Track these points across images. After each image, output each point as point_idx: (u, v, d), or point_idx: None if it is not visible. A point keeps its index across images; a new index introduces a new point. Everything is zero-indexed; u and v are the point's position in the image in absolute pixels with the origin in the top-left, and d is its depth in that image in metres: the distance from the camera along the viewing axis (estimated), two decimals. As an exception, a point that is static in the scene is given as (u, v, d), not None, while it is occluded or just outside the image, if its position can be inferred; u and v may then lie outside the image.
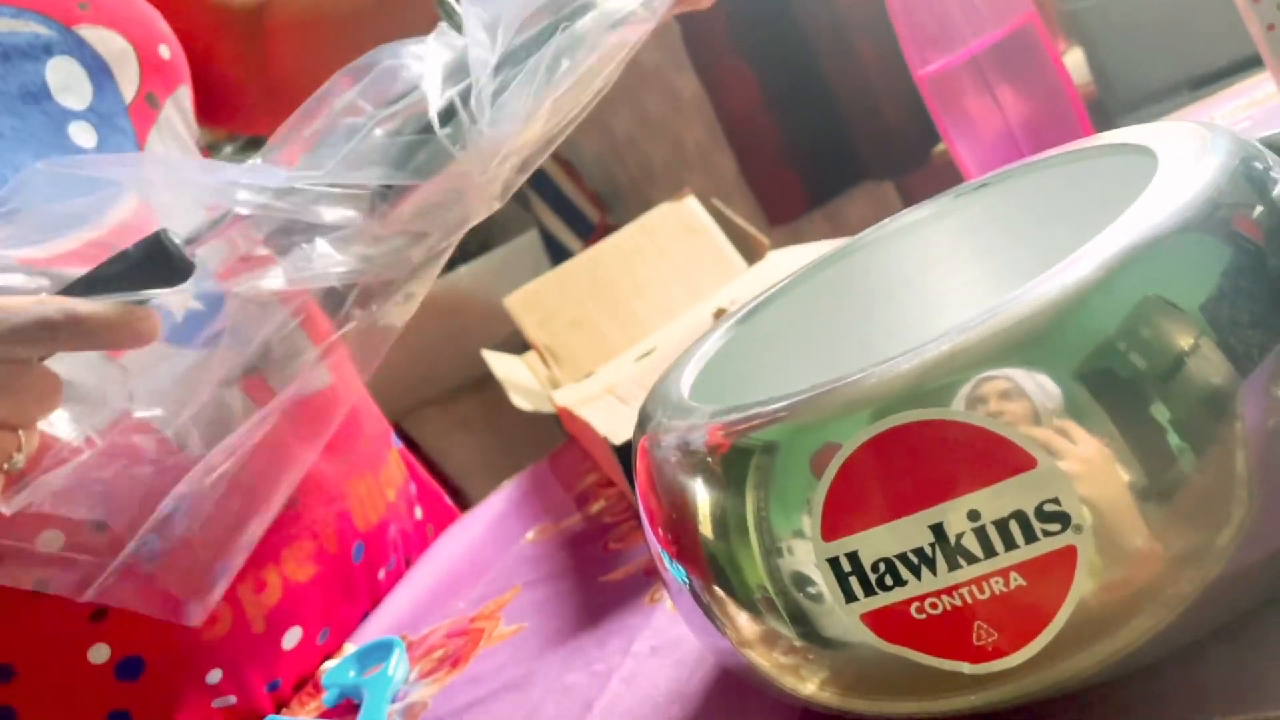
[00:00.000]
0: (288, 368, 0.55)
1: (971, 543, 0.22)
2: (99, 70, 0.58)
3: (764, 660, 0.27)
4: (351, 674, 0.53)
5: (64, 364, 0.40)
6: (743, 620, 0.27)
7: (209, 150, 0.73)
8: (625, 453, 0.52)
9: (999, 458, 0.22)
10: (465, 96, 0.36)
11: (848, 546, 0.24)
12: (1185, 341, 0.23)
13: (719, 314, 0.73)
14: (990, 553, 0.22)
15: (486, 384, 1.00)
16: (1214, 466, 0.23)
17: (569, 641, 0.45)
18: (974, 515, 0.22)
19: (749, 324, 0.38)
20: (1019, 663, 0.23)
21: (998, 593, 0.23)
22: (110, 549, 0.40)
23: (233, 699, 0.58)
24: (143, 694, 0.56)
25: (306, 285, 0.38)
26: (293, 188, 0.37)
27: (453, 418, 2.04)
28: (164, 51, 0.62)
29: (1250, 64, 0.63)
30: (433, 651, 0.53)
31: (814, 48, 2.00)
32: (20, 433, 0.38)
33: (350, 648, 0.61)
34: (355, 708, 0.50)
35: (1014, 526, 0.22)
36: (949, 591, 0.23)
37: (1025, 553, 0.22)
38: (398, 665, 0.51)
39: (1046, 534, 0.22)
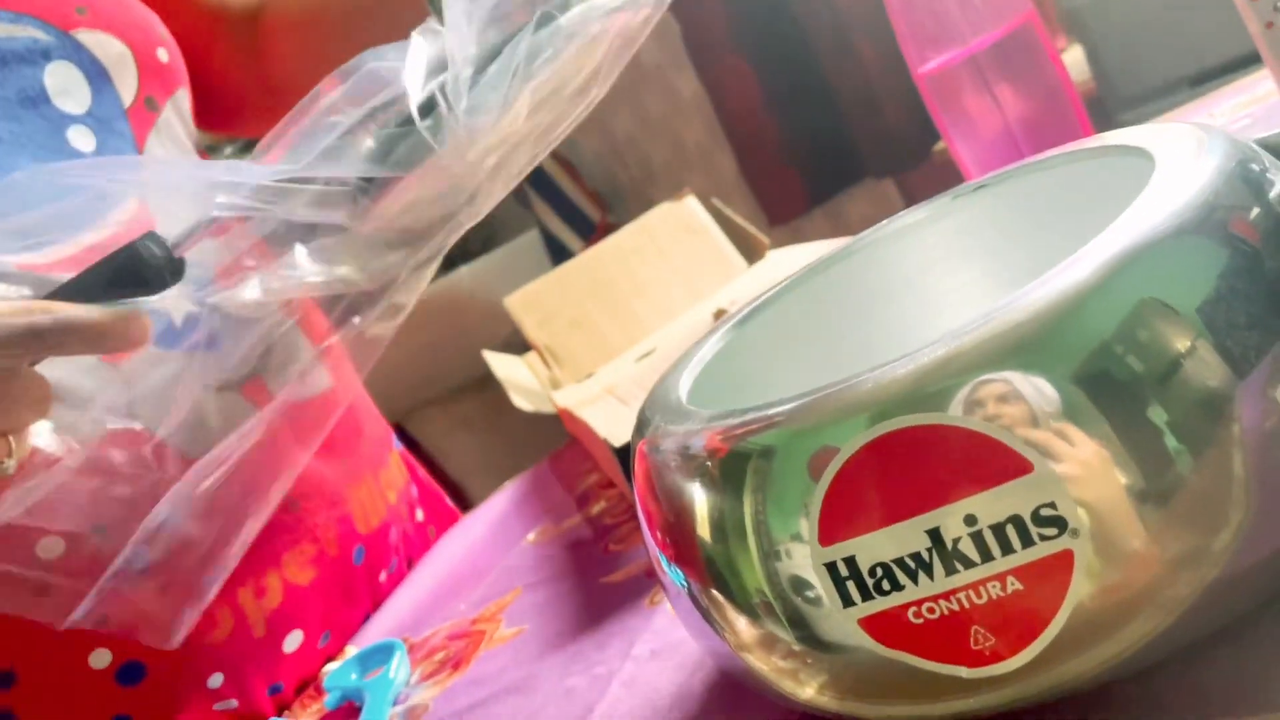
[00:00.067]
0: (287, 370, 0.55)
1: (968, 547, 0.22)
2: (97, 74, 0.58)
3: (762, 664, 0.27)
4: (353, 676, 0.54)
5: (61, 370, 0.40)
6: (741, 624, 0.27)
7: (208, 152, 0.73)
8: (625, 454, 0.52)
9: (995, 462, 0.22)
10: (445, 88, 0.36)
11: (845, 551, 0.24)
12: (1182, 344, 0.23)
13: (719, 315, 0.73)
14: (987, 557, 0.22)
15: (487, 384, 1.00)
16: (1211, 469, 0.23)
17: (570, 644, 0.45)
18: (970, 520, 0.22)
19: (747, 326, 0.38)
20: (1017, 667, 0.23)
21: (995, 597, 0.23)
22: (98, 564, 0.40)
23: (234, 702, 0.58)
24: (144, 699, 0.56)
25: (283, 296, 0.38)
26: (270, 185, 0.36)
27: (454, 418, 2.05)
28: (162, 55, 0.62)
29: (1250, 61, 0.63)
30: (434, 654, 0.53)
31: (814, 46, 2.00)
32: (10, 438, 0.38)
33: (352, 650, 0.61)
34: (357, 710, 0.50)
35: (1010, 531, 0.22)
36: (946, 596, 0.23)
37: (1022, 557, 0.22)
38: (399, 668, 0.52)
39: (1043, 538, 0.22)
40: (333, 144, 0.37)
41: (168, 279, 0.37)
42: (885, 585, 0.23)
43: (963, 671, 0.23)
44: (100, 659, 0.55)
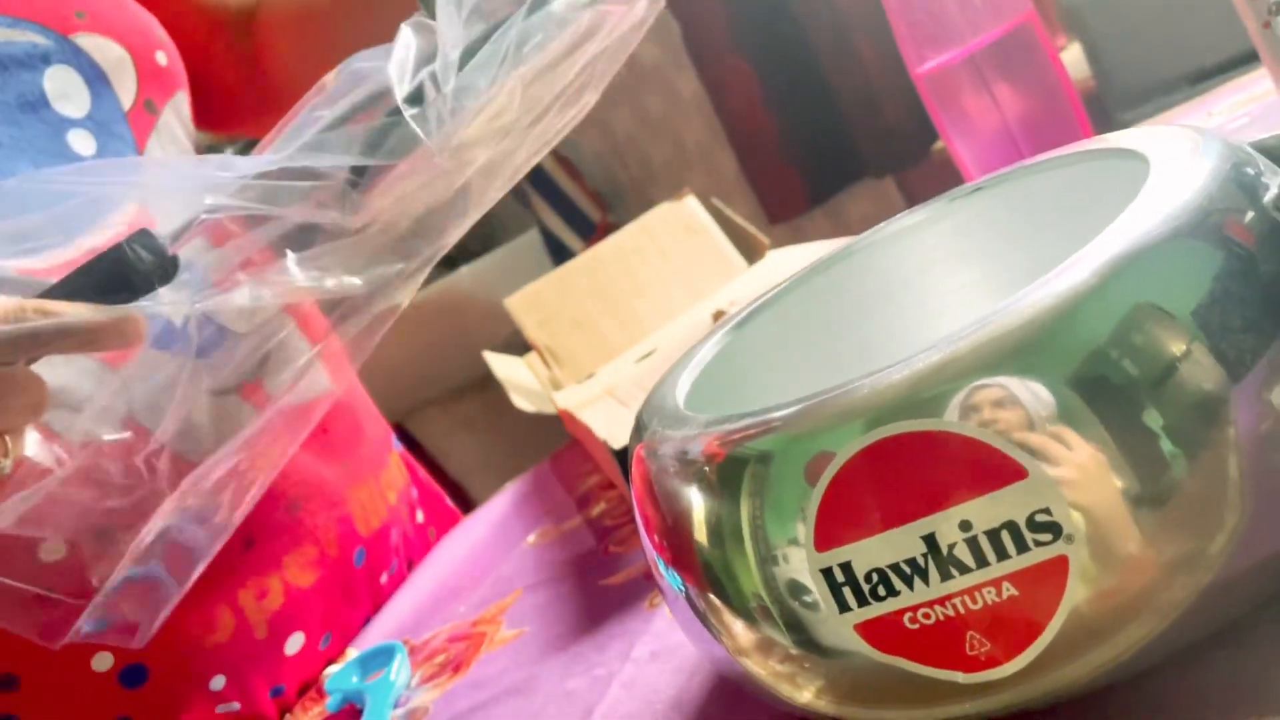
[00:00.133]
0: (286, 372, 0.55)
1: (963, 553, 0.23)
2: (97, 78, 0.58)
3: (760, 668, 0.27)
4: (354, 679, 0.54)
5: (62, 373, 0.40)
6: (738, 628, 0.27)
7: (209, 154, 0.73)
8: (625, 456, 0.53)
9: (990, 468, 0.22)
10: (434, 74, 0.36)
11: (841, 557, 0.24)
12: (1177, 348, 0.23)
13: (718, 316, 0.73)
14: (982, 563, 0.22)
15: (489, 384, 1.00)
16: (1207, 472, 0.23)
17: (570, 646, 0.45)
18: (966, 525, 0.22)
19: (744, 329, 0.38)
20: (1013, 672, 0.23)
21: (990, 603, 0.23)
22: (79, 575, 0.40)
23: (236, 705, 0.59)
24: (146, 701, 0.56)
25: (276, 302, 0.37)
26: (259, 183, 0.36)
27: (455, 418, 2.05)
28: (161, 58, 0.62)
29: (1249, 59, 0.63)
30: (435, 656, 0.53)
31: (813, 46, 2.00)
32: (7, 439, 0.38)
33: (353, 652, 0.61)
34: (358, 713, 0.51)
35: (1005, 537, 0.22)
36: (942, 602, 0.23)
37: (1017, 563, 0.22)
38: (400, 670, 0.52)
39: (1038, 544, 0.22)
40: (321, 137, 0.36)
41: (155, 282, 0.36)
42: (881, 591, 0.23)
43: (959, 677, 0.23)
44: (103, 661, 0.55)
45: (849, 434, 0.24)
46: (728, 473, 0.27)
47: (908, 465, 0.23)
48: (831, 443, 0.24)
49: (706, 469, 0.27)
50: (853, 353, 0.37)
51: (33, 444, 0.39)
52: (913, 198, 2.03)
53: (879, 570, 0.23)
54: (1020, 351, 0.23)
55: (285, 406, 0.46)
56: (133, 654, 0.55)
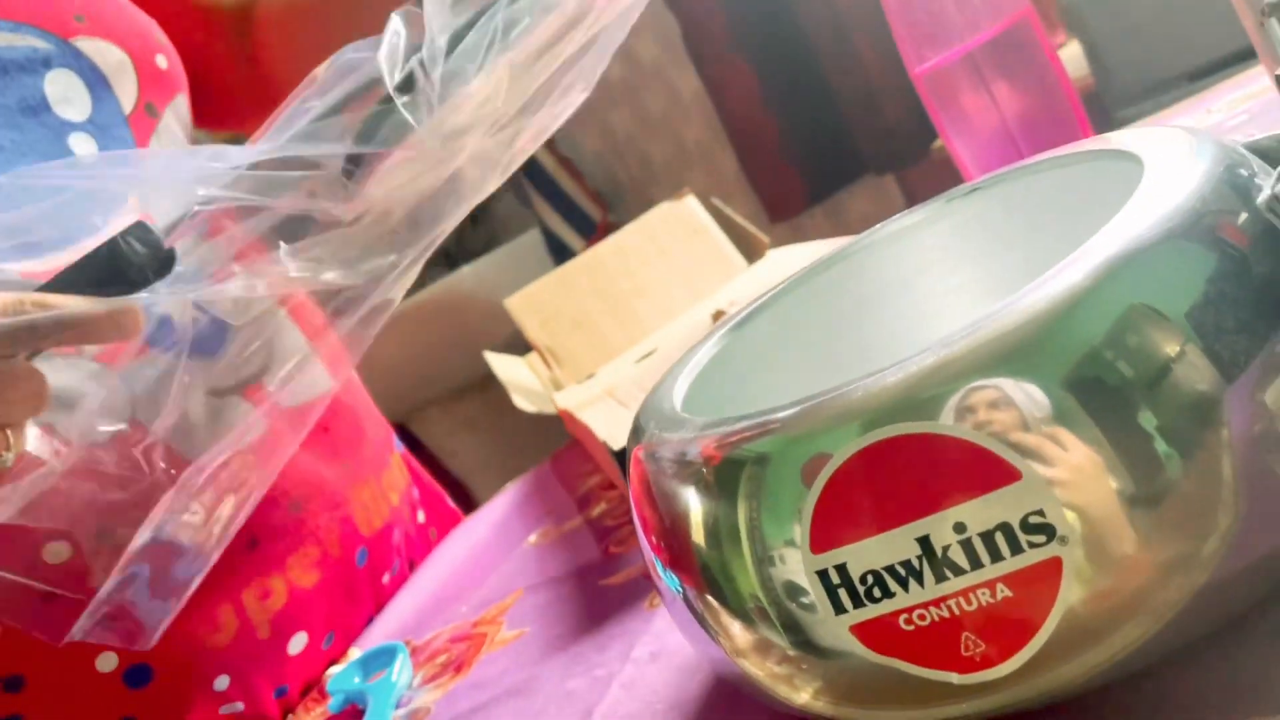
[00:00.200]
0: (286, 371, 0.55)
1: (958, 555, 0.23)
2: (97, 82, 0.59)
3: (757, 669, 0.27)
4: (356, 680, 0.54)
5: (63, 375, 0.40)
6: (736, 629, 0.27)
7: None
8: (624, 457, 0.53)
9: (984, 471, 0.23)
10: (422, 60, 0.36)
11: (836, 559, 0.24)
12: (1171, 349, 0.23)
13: (718, 315, 0.73)
14: (976, 565, 0.23)
15: (490, 383, 1.00)
16: (1201, 473, 0.23)
17: (570, 646, 0.45)
18: (960, 528, 0.23)
19: (742, 331, 0.38)
20: (1008, 673, 0.23)
21: (985, 604, 0.23)
22: (81, 573, 0.40)
23: (240, 705, 0.59)
24: (151, 701, 0.56)
25: (271, 293, 0.38)
26: (253, 175, 0.36)
27: (457, 418, 2.05)
28: (161, 61, 0.63)
29: (1248, 56, 0.63)
30: (436, 656, 0.54)
31: (813, 44, 2.00)
32: (9, 432, 0.38)
33: (355, 653, 0.62)
34: (360, 713, 0.51)
35: (999, 538, 0.22)
36: (937, 603, 0.23)
37: (1011, 564, 0.22)
38: (401, 671, 0.52)
39: (1032, 546, 0.22)
40: (313, 127, 0.36)
41: (149, 276, 0.36)
42: (876, 592, 0.24)
43: (954, 678, 0.24)
44: (107, 662, 0.55)
45: (845, 436, 0.24)
46: (725, 475, 0.27)
47: (903, 467, 0.23)
48: (828, 444, 0.24)
49: (704, 471, 0.27)
50: (850, 353, 0.37)
51: (32, 438, 0.39)
52: (913, 196, 2.03)
53: (874, 572, 0.24)
54: (1015, 353, 0.24)
55: (286, 405, 0.46)
56: (137, 654, 0.56)
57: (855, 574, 0.24)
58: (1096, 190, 0.31)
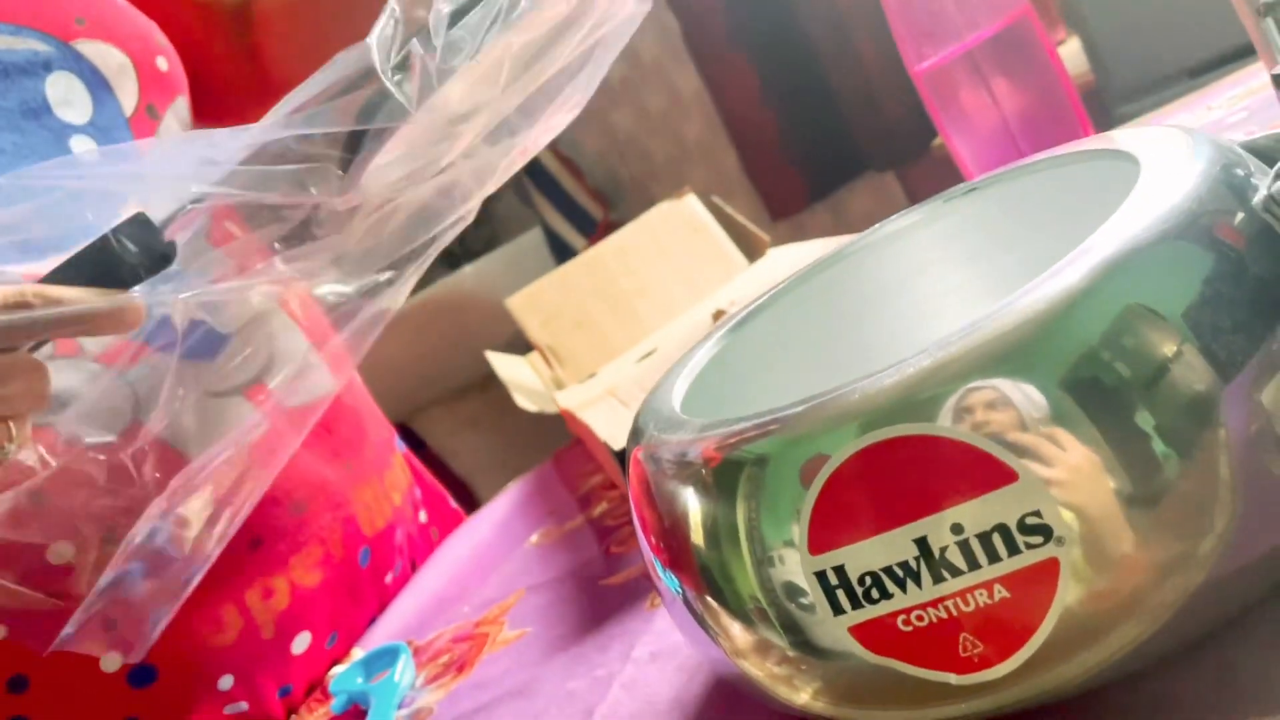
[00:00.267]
0: (288, 372, 0.55)
1: (955, 556, 0.23)
2: (98, 84, 0.59)
3: (757, 670, 0.27)
4: (359, 680, 0.54)
5: (64, 376, 0.40)
6: (735, 630, 0.27)
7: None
8: (625, 457, 0.53)
9: (981, 472, 0.23)
10: (424, 32, 0.35)
11: (835, 560, 0.24)
12: (1168, 349, 0.23)
13: (718, 315, 0.73)
14: (974, 566, 0.23)
15: (492, 383, 1.00)
16: (1198, 472, 0.23)
17: (571, 646, 0.45)
18: (957, 529, 0.23)
19: (740, 332, 0.38)
20: (1005, 673, 0.23)
21: (982, 605, 0.23)
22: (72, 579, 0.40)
23: (244, 705, 0.59)
24: (155, 701, 0.57)
25: (271, 295, 0.38)
26: (246, 169, 0.36)
27: (460, 417, 2.05)
28: (162, 63, 0.63)
29: (1248, 52, 0.63)
30: (438, 657, 0.54)
31: (812, 41, 2.00)
32: (11, 424, 0.38)
33: (358, 653, 0.62)
34: (363, 713, 0.51)
35: (997, 539, 0.23)
36: (934, 604, 0.23)
37: (1008, 565, 0.23)
38: (404, 671, 0.52)
39: (1029, 546, 0.22)
40: (309, 113, 0.36)
41: (141, 273, 0.36)
42: (874, 594, 0.24)
43: (952, 678, 0.24)
44: (111, 662, 0.55)
45: (843, 437, 0.24)
46: (724, 476, 0.27)
47: (901, 468, 0.23)
48: (826, 445, 0.25)
49: (703, 472, 0.28)
50: (849, 353, 0.37)
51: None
52: (913, 193, 2.03)
53: (872, 573, 0.24)
54: (1012, 354, 0.24)
55: (287, 405, 0.47)
56: (141, 655, 0.56)
57: (853, 575, 0.24)
58: (1093, 190, 0.31)
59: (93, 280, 0.36)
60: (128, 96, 0.60)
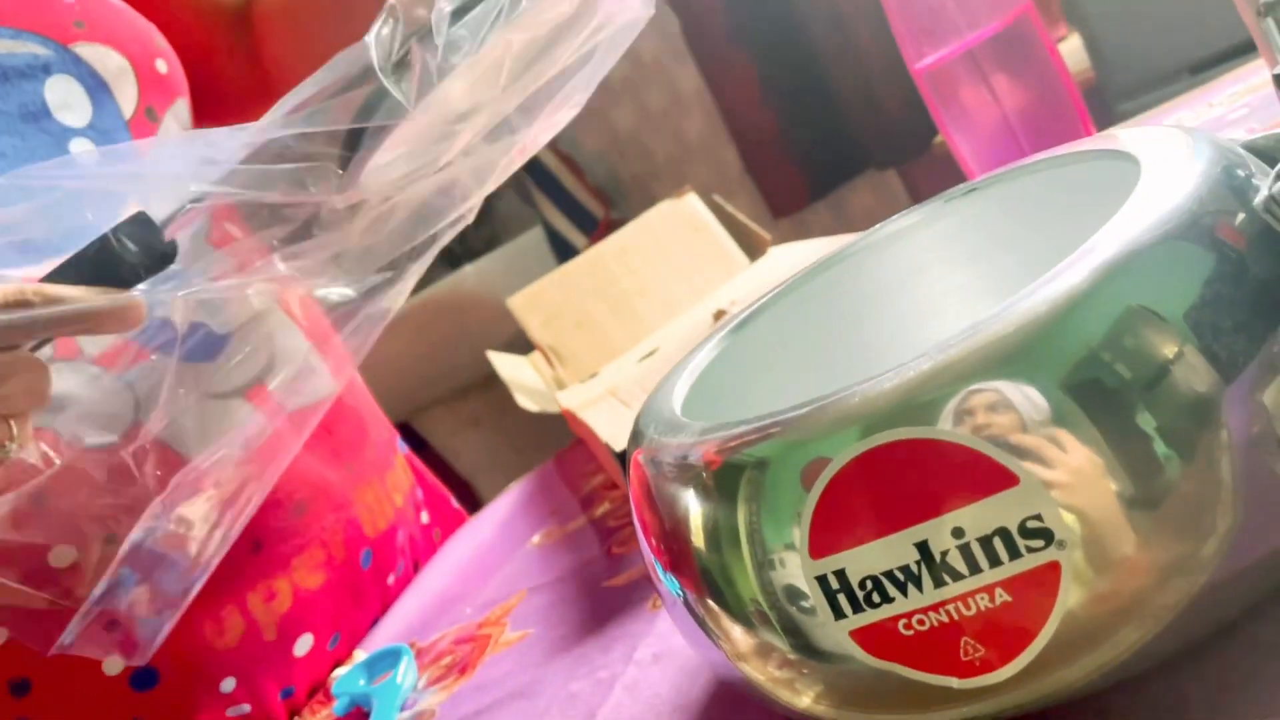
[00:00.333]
0: (288, 373, 0.55)
1: (956, 560, 0.23)
2: (97, 87, 0.59)
3: (758, 673, 0.27)
4: (361, 682, 0.54)
5: (64, 377, 0.40)
6: (737, 633, 0.27)
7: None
8: (626, 458, 0.53)
9: (982, 476, 0.23)
10: (426, 32, 0.35)
11: (835, 564, 0.24)
12: (1169, 350, 0.23)
13: (719, 314, 0.73)
14: (975, 570, 0.23)
15: (494, 382, 1.00)
16: (1200, 474, 0.23)
17: (573, 648, 0.45)
18: (958, 533, 0.23)
19: (741, 333, 0.38)
20: (1007, 677, 0.23)
21: (983, 609, 0.23)
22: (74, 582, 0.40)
23: (247, 707, 0.59)
24: (157, 704, 0.57)
25: (269, 294, 0.38)
26: (241, 168, 0.36)
27: (462, 417, 2.05)
28: (161, 66, 0.63)
29: (1250, 49, 0.62)
30: (441, 658, 0.54)
31: (813, 39, 1.99)
32: (11, 423, 0.38)
33: (360, 655, 0.62)
34: (365, 715, 0.51)
35: (998, 543, 0.22)
36: (935, 608, 0.23)
37: (1009, 569, 0.22)
38: (406, 673, 0.52)
39: (1030, 550, 0.22)
40: (308, 112, 0.36)
41: (141, 273, 0.36)
42: (875, 598, 0.24)
43: (954, 682, 0.24)
44: (114, 665, 0.55)
45: (844, 440, 0.24)
46: (725, 479, 0.27)
47: (901, 472, 0.23)
48: (827, 448, 0.24)
49: (704, 475, 0.28)
50: (849, 355, 0.37)
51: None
52: (915, 190, 2.03)
53: (873, 577, 0.24)
54: (1013, 356, 0.24)
55: (288, 407, 0.46)
56: (142, 658, 0.56)
57: (854, 579, 0.24)
58: (1094, 191, 0.31)
59: (93, 280, 0.36)
60: (127, 99, 0.60)
